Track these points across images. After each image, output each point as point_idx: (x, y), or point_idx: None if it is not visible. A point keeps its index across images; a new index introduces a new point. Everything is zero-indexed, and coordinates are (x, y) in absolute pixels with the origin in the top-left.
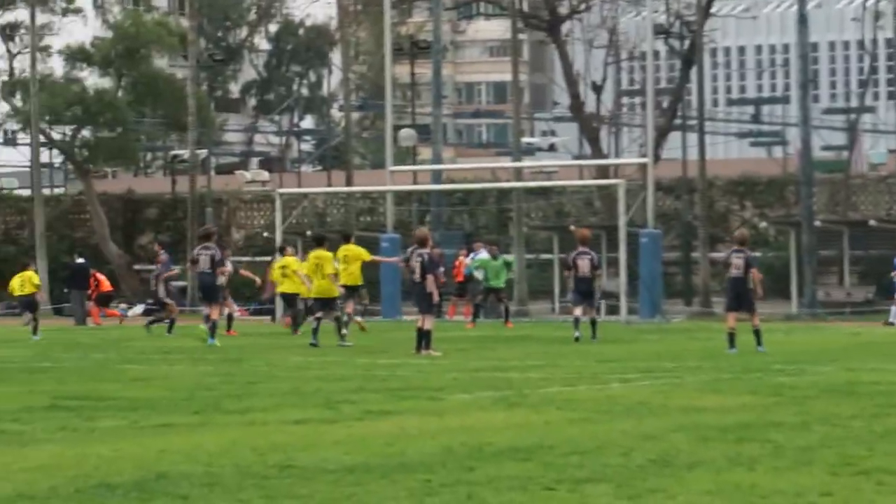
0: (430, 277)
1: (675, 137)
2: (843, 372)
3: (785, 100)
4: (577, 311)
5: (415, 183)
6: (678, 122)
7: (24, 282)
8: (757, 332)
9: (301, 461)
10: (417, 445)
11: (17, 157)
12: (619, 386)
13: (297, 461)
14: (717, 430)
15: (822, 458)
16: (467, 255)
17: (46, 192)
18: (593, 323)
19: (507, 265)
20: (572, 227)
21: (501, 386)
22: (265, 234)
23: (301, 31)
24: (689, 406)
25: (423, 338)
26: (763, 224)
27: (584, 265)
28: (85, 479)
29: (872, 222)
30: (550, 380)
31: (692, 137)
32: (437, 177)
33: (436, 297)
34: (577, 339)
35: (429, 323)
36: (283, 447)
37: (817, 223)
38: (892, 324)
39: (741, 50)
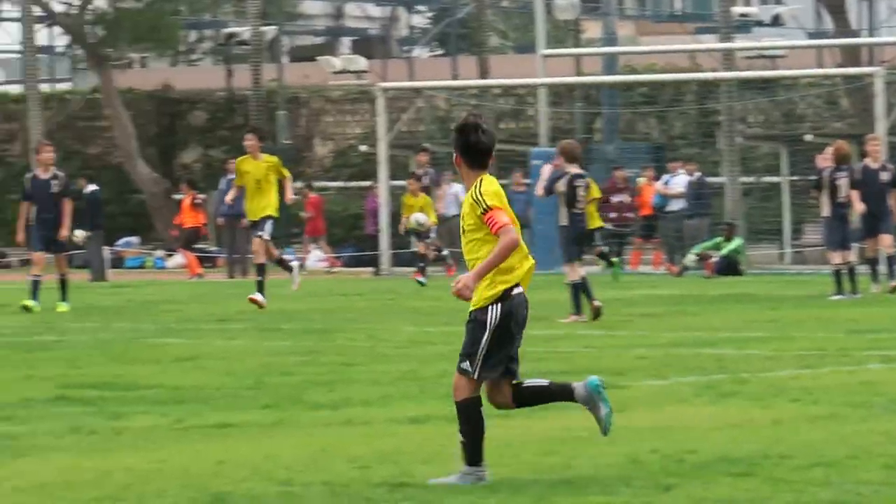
0: None
1: None
2: None
3: None
4: (837, 258)
5: (578, 74)
6: None
7: None
8: None
9: (419, 477)
10: (590, 454)
11: (2, 37)
12: (880, 368)
13: (413, 477)
14: None
15: None
16: (657, 178)
17: (45, 88)
18: (851, 272)
19: None
20: (809, 137)
21: (710, 368)
22: (362, 148)
23: None
24: None
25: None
26: None
27: (845, 185)
28: None
29: None
30: (780, 359)
31: None
32: (610, 64)
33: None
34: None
35: (573, 273)
36: (395, 457)
37: None
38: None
39: None
